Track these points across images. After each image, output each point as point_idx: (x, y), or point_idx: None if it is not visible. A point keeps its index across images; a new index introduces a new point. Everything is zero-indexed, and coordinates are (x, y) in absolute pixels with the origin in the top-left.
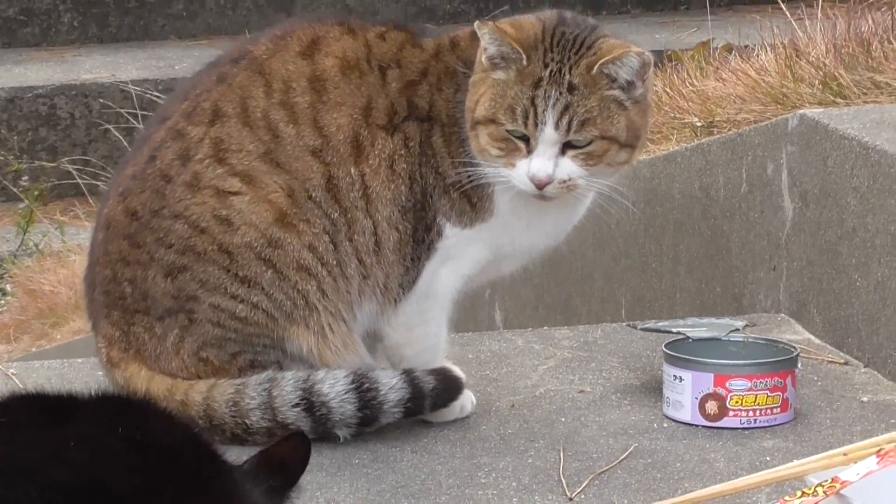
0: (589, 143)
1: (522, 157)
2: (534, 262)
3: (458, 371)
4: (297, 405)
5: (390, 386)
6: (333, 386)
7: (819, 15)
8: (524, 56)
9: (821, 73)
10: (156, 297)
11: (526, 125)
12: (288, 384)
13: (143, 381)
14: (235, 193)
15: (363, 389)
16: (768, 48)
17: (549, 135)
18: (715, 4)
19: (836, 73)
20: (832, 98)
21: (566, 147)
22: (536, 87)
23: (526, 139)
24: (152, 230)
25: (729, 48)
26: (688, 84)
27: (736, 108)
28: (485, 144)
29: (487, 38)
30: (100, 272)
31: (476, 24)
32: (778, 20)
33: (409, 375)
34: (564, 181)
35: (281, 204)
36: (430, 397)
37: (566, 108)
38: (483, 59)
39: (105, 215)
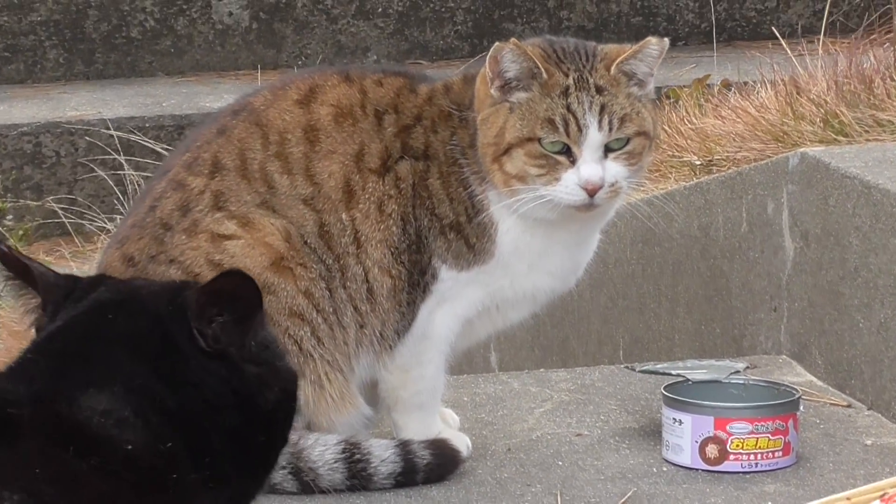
0: (626, 143)
1: (567, 169)
2: (542, 309)
3: (457, 443)
4: (283, 468)
5: (382, 458)
6: (323, 454)
7: (820, 51)
8: (543, 70)
9: (822, 110)
10: None
11: (568, 133)
12: None
13: None
14: (230, 237)
15: (353, 460)
16: (768, 85)
17: (593, 138)
18: (713, 41)
19: (838, 111)
20: (833, 136)
21: (606, 151)
22: (567, 96)
23: (566, 151)
24: (147, 277)
25: (727, 84)
26: (686, 122)
27: (735, 147)
28: (522, 166)
29: (509, 56)
30: None
31: (496, 45)
32: (778, 56)
33: (403, 448)
34: (612, 184)
35: (279, 247)
36: (424, 472)
37: (603, 108)
38: (492, 91)
39: (103, 264)
